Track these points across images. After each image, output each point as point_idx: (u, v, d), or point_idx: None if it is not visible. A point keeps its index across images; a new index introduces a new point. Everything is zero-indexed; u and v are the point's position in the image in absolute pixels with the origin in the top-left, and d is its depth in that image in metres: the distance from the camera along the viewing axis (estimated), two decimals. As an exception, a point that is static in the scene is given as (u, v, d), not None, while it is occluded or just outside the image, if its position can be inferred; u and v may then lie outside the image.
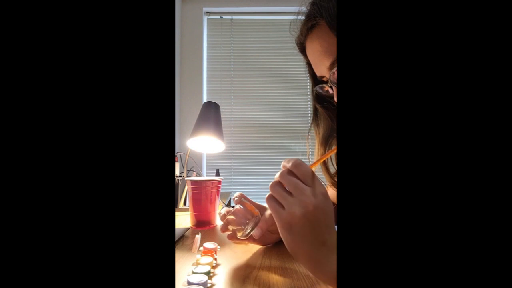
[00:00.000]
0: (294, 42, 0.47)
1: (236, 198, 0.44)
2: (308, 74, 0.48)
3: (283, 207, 0.30)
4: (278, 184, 0.31)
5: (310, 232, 0.28)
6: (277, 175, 0.31)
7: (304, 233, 0.28)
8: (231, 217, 0.43)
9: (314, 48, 0.41)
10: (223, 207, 0.49)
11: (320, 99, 0.46)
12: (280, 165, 0.34)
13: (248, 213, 0.43)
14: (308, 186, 0.29)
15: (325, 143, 0.48)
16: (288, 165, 0.31)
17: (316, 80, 0.44)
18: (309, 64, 0.46)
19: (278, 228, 0.31)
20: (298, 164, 0.30)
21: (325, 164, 0.48)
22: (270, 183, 0.32)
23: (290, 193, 0.30)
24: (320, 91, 0.44)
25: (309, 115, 1.95)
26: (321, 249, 0.28)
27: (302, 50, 0.45)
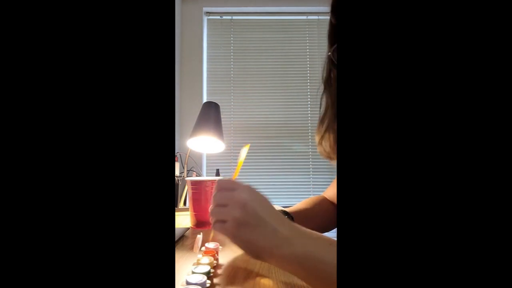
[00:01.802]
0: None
1: None
2: (327, 37, 0.44)
3: (225, 221, 0.32)
4: (214, 207, 0.34)
5: (254, 227, 0.29)
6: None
7: (252, 230, 0.30)
8: None
9: None
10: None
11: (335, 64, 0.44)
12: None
13: None
14: (233, 191, 0.32)
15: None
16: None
17: (334, 42, 0.41)
18: (331, 24, 0.42)
19: (234, 243, 0.32)
20: (218, 182, 0.35)
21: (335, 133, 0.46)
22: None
23: (224, 206, 0.32)
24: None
25: (309, 115, 1.95)
26: (275, 238, 0.29)
27: (334, 6, 0.42)
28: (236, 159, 1.92)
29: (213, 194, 0.34)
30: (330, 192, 0.61)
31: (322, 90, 0.47)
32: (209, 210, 0.35)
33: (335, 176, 0.58)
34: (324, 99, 0.47)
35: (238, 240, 0.31)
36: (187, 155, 1.01)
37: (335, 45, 0.41)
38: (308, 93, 1.97)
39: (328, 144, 0.46)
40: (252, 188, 0.32)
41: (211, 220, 0.34)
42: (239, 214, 0.30)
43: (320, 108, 0.48)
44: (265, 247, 0.30)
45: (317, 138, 0.48)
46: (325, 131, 0.46)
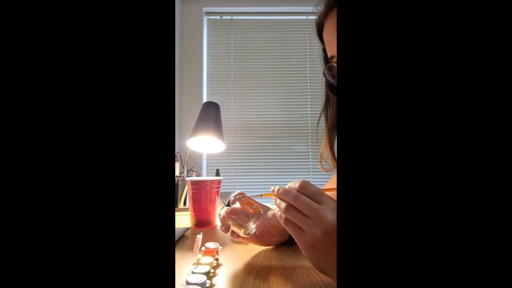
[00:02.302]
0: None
1: (232, 198, 0.44)
2: (322, 61, 0.48)
3: (302, 229, 0.30)
4: (291, 208, 0.31)
5: (334, 248, 0.28)
6: (287, 196, 0.31)
7: (329, 250, 0.29)
8: (230, 222, 0.42)
9: (332, 25, 0.41)
10: (223, 207, 0.49)
11: (331, 86, 0.47)
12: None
13: (246, 210, 0.42)
14: (320, 204, 0.30)
15: (334, 130, 0.49)
16: (296, 186, 0.32)
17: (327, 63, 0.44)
18: (324, 50, 0.46)
19: (301, 249, 0.32)
20: (304, 185, 0.31)
21: (332, 150, 0.49)
22: (282, 206, 0.32)
23: (305, 215, 0.30)
24: (329, 75, 0.44)
25: (309, 115, 1.95)
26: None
27: (320, 31, 0.45)
28: (236, 159, 1.92)
29: (294, 194, 0.31)
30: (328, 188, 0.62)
31: (322, 106, 0.50)
32: (284, 208, 0.31)
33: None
34: (323, 115, 0.50)
35: (307, 253, 0.31)
36: (187, 155, 1.01)
37: (327, 65, 0.44)
38: (308, 93, 1.97)
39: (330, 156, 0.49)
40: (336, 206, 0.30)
41: (281, 213, 0.32)
42: (319, 239, 0.29)
43: (318, 122, 0.51)
44: (333, 271, 0.30)
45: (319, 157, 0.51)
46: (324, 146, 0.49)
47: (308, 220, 0.30)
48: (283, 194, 0.32)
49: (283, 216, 0.32)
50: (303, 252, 0.32)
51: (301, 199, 0.31)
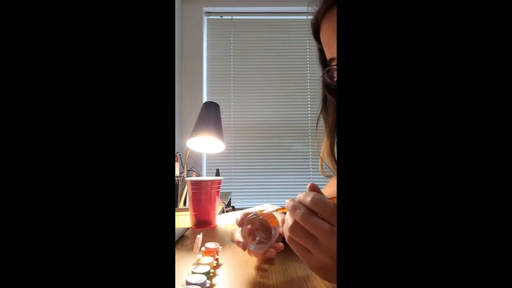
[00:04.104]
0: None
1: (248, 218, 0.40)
2: (317, 61, 0.46)
3: (309, 251, 0.27)
4: (298, 227, 0.27)
5: (334, 269, 0.27)
6: (295, 213, 0.27)
7: (331, 271, 0.27)
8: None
9: (331, 25, 0.39)
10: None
11: (329, 87, 0.45)
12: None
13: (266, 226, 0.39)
14: (333, 225, 0.26)
15: (334, 132, 0.47)
16: (307, 201, 0.27)
17: (326, 67, 0.43)
18: (320, 50, 0.44)
19: (308, 267, 0.29)
20: (318, 200, 0.26)
21: (332, 153, 0.47)
22: (288, 225, 0.28)
23: (314, 236, 0.26)
24: (327, 77, 0.42)
25: (309, 115, 1.95)
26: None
27: (316, 31, 0.43)
28: (236, 159, 1.91)
29: (304, 213, 0.26)
30: (326, 191, 0.61)
31: (320, 108, 0.49)
32: (290, 228, 0.28)
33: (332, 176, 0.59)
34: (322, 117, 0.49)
35: (314, 271, 0.29)
36: (187, 155, 1.01)
37: (326, 68, 0.42)
38: (308, 93, 1.97)
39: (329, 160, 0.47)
40: None
41: (286, 232, 0.29)
42: (328, 263, 0.26)
43: (317, 123, 0.49)
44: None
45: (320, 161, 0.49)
46: (324, 149, 0.47)
47: (318, 242, 0.26)
48: (292, 210, 0.28)
49: (287, 234, 0.29)
50: (310, 268, 0.29)
51: (311, 220, 0.26)
